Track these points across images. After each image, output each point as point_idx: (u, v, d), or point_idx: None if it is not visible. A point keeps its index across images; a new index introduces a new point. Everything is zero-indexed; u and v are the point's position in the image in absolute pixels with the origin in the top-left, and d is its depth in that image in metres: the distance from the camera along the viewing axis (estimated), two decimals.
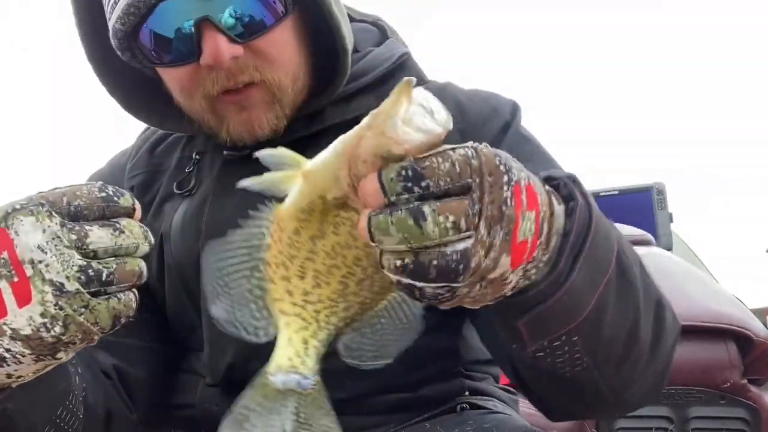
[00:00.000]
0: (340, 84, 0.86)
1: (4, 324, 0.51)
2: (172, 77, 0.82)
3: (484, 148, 0.47)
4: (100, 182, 0.56)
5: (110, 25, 0.80)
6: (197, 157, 0.93)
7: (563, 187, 0.58)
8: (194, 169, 0.92)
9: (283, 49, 0.81)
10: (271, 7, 0.77)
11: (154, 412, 0.91)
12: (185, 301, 0.88)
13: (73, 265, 0.50)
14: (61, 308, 0.50)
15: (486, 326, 0.80)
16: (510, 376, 0.78)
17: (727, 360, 1.52)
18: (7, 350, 0.53)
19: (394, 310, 0.55)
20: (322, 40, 0.86)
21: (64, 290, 0.50)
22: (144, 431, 0.89)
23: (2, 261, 0.51)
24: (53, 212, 0.52)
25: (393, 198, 0.44)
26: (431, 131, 0.46)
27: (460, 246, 0.44)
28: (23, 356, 0.53)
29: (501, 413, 0.87)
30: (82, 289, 0.51)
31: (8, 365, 0.54)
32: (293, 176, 0.51)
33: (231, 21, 0.75)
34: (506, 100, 0.90)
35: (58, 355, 0.54)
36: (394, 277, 0.46)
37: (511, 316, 0.57)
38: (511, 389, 0.98)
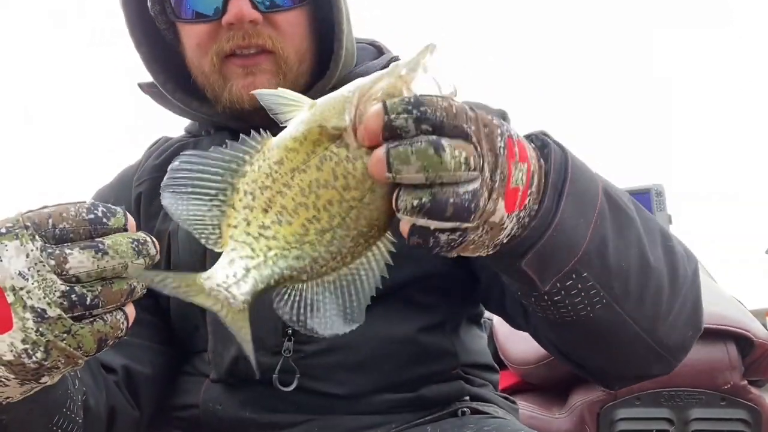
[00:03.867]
0: (334, 75, 0.90)
1: None
2: (192, 33, 0.89)
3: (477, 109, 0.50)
4: (91, 201, 0.54)
5: None
6: None
7: (535, 139, 0.62)
8: None
9: (297, 29, 0.88)
10: None
11: (157, 413, 0.91)
12: None
13: (55, 291, 0.50)
14: (42, 334, 0.50)
15: (514, 306, 0.82)
16: (551, 350, 0.80)
17: (728, 361, 1.53)
18: None
19: (341, 288, 0.53)
20: (325, 43, 0.92)
21: (46, 316, 0.50)
22: None
23: None
24: (37, 235, 0.51)
25: (393, 116, 0.45)
26: (442, 86, 0.50)
27: (471, 186, 0.46)
28: (8, 380, 0.53)
29: (501, 418, 0.87)
30: (64, 315, 0.50)
31: None
32: (301, 103, 0.52)
33: None
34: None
35: (43, 380, 0.54)
36: (410, 219, 0.47)
37: (513, 260, 0.59)
38: (511, 397, 0.99)
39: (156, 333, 0.93)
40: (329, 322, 0.53)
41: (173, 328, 0.94)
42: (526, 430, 0.79)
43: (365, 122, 0.47)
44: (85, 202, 0.54)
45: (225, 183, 0.52)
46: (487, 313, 1.92)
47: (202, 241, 0.52)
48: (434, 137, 0.45)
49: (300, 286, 0.53)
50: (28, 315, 0.50)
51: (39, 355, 0.51)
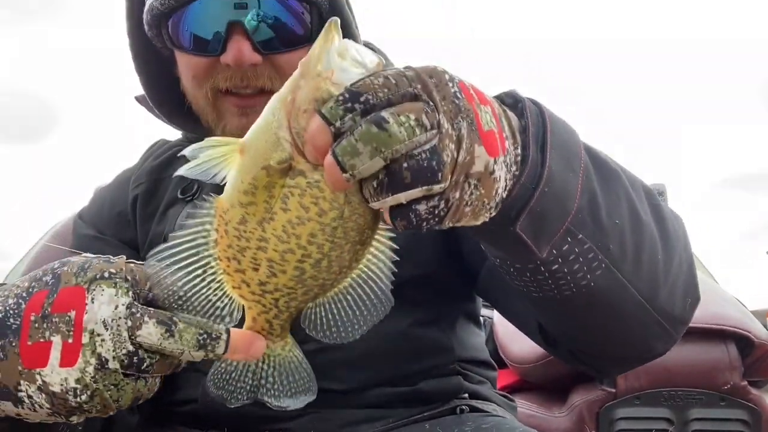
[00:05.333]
0: None
1: (39, 374, 0.53)
2: (189, 64, 0.86)
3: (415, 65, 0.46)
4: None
5: (148, 0, 0.86)
6: None
7: (506, 97, 0.58)
8: None
9: None
10: (299, 31, 0.84)
11: (157, 409, 0.91)
12: None
13: (123, 348, 0.52)
14: (95, 381, 0.52)
15: (506, 296, 0.81)
16: (541, 340, 0.76)
17: (728, 362, 1.52)
18: (29, 397, 0.54)
19: (360, 287, 0.54)
20: None
21: (106, 367, 0.52)
22: (147, 429, 0.90)
23: (67, 319, 0.53)
24: (131, 291, 0.53)
25: (338, 123, 0.42)
26: (368, 64, 0.45)
27: (427, 145, 0.43)
28: (41, 407, 0.54)
29: (500, 416, 0.87)
30: (120, 369, 0.52)
31: (23, 408, 0.55)
32: (231, 152, 0.49)
33: (260, 33, 0.81)
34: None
35: (72, 418, 0.55)
36: (380, 204, 0.44)
37: (506, 225, 0.55)
38: (510, 396, 0.99)
39: None
40: (361, 318, 0.54)
41: None
42: (524, 429, 0.79)
43: (311, 143, 0.44)
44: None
45: (204, 258, 0.52)
46: (486, 312, 1.92)
47: (226, 321, 0.54)
48: (372, 115, 0.42)
49: (320, 301, 0.54)
50: (92, 360, 0.52)
51: (83, 397, 0.53)
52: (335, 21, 0.46)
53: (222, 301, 0.53)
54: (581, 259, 0.59)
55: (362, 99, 0.42)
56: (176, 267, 0.51)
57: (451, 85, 0.46)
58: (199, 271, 0.52)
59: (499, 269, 0.65)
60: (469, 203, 0.47)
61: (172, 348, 0.53)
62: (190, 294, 0.52)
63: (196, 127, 0.95)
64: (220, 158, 0.49)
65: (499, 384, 1.04)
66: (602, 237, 0.59)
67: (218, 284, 0.53)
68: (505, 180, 0.51)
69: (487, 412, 0.88)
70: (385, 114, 0.42)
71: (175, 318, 0.53)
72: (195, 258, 0.52)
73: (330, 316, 0.54)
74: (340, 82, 0.44)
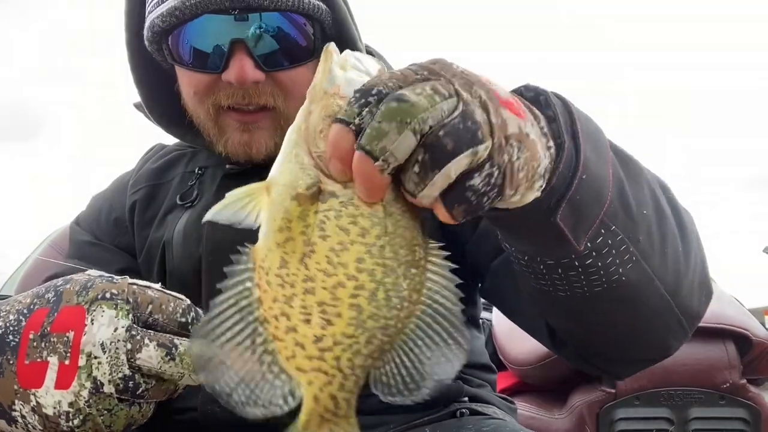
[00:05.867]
0: None
1: (33, 395, 0.53)
2: (190, 80, 0.85)
3: None
4: (188, 303, 0.56)
5: (149, 17, 0.84)
6: (200, 171, 0.96)
7: (526, 90, 0.57)
8: (196, 182, 0.95)
9: (302, 86, 0.80)
10: (302, 47, 0.83)
11: (155, 417, 0.91)
12: None
13: (119, 372, 0.52)
14: (89, 405, 0.52)
15: (514, 297, 0.79)
16: (549, 341, 0.75)
17: (726, 360, 1.53)
18: (23, 417, 0.54)
19: (429, 326, 0.45)
20: None
21: (100, 391, 0.52)
22: None
23: (65, 339, 0.52)
24: (131, 314, 0.53)
25: (357, 120, 0.41)
26: (371, 70, 0.45)
27: (456, 112, 0.41)
28: (33, 429, 0.54)
29: (500, 419, 0.87)
30: (114, 394, 0.52)
31: (16, 427, 0.55)
32: (257, 192, 0.46)
33: (263, 49, 0.80)
34: None
35: None
36: (426, 189, 0.41)
37: (546, 216, 0.54)
38: (510, 398, 0.99)
39: None
40: (440, 366, 0.45)
41: None
42: (524, 431, 0.79)
43: (334, 153, 0.42)
44: (185, 301, 0.56)
45: (250, 323, 0.45)
46: (485, 314, 1.91)
47: (277, 408, 0.46)
48: (387, 96, 0.41)
49: (389, 357, 0.46)
50: (87, 384, 0.52)
51: (76, 422, 0.52)
52: (331, 45, 0.47)
53: (280, 379, 0.46)
54: (614, 252, 0.58)
55: (374, 92, 0.42)
56: (222, 340, 0.44)
57: (456, 66, 0.45)
58: (248, 342, 0.45)
59: (524, 269, 0.63)
60: (520, 167, 0.45)
61: (173, 371, 0.52)
62: (244, 376, 0.45)
63: (195, 139, 0.95)
64: (246, 198, 0.45)
65: (499, 386, 1.04)
66: (633, 228, 0.59)
67: (271, 357, 0.45)
68: (542, 144, 0.48)
69: (487, 415, 0.88)
70: (400, 90, 0.41)
71: (176, 341, 0.53)
72: (241, 324, 0.45)
73: (404, 371, 0.46)
74: (347, 94, 0.43)
